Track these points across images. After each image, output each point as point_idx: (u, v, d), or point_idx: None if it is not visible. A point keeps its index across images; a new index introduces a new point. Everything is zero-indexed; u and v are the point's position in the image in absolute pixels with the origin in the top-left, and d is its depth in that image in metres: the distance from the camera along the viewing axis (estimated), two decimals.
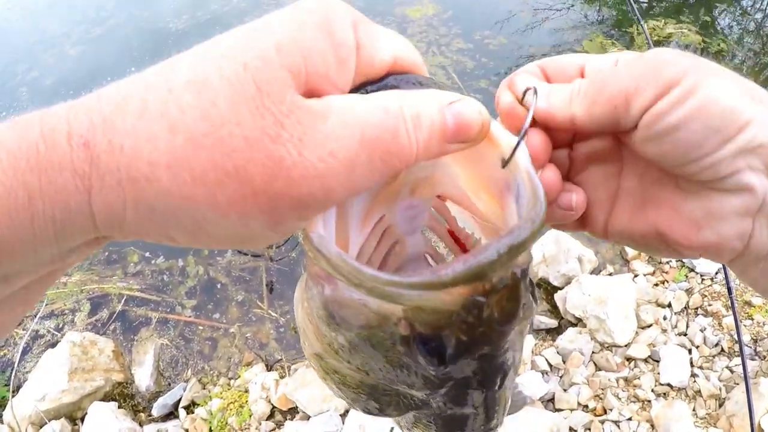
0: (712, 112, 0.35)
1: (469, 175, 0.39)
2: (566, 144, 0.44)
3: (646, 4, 6.07)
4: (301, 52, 0.28)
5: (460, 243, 0.46)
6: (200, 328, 3.15)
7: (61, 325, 3.20)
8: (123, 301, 3.25)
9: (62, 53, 5.23)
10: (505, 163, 0.34)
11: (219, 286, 3.31)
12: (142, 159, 0.28)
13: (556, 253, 3.11)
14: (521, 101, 0.40)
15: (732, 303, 1.67)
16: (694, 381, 2.78)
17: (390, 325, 0.35)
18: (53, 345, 3.00)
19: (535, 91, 0.39)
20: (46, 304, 3.22)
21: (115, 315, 3.21)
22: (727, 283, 1.74)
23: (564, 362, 2.89)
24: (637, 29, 5.22)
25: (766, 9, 6.50)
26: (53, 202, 0.27)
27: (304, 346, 0.47)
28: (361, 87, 0.32)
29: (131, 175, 0.28)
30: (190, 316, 3.18)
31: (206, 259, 3.41)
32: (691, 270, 3.40)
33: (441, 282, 0.30)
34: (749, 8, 6.40)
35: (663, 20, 5.55)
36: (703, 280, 3.40)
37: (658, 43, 5.00)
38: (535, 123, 0.39)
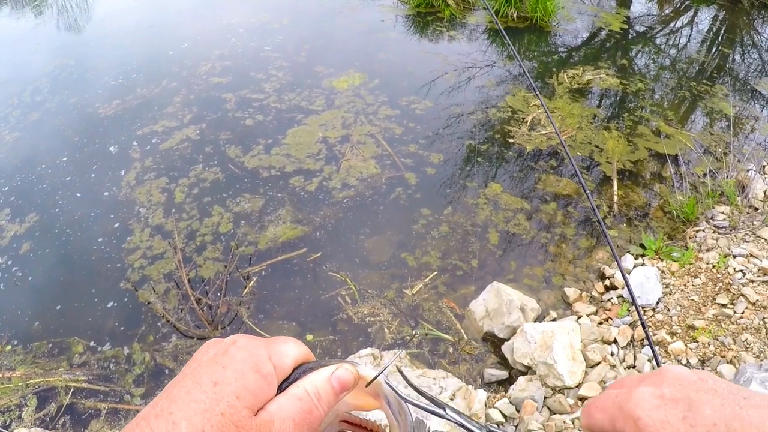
0: None
1: (355, 396, 0.57)
2: None
3: (565, 54, 6.38)
4: (252, 394, 0.46)
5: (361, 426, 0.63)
6: None
7: (8, 422, 3.06)
8: (70, 393, 3.15)
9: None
10: (368, 384, 0.54)
11: (167, 371, 3.25)
12: None
13: (499, 306, 3.15)
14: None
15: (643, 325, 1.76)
16: None
17: None
18: None
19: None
20: None
21: (63, 408, 3.11)
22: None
23: (518, 411, 2.91)
24: (557, 79, 5.50)
25: (679, 44, 6.91)
26: None
27: None
28: (282, 383, 0.50)
29: None
30: (139, 405, 3.11)
31: (152, 345, 3.35)
32: (633, 303, 3.49)
33: None
34: (663, 45, 6.79)
35: (581, 67, 5.81)
36: (645, 311, 3.50)
37: (578, 91, 5.31)
38: None
